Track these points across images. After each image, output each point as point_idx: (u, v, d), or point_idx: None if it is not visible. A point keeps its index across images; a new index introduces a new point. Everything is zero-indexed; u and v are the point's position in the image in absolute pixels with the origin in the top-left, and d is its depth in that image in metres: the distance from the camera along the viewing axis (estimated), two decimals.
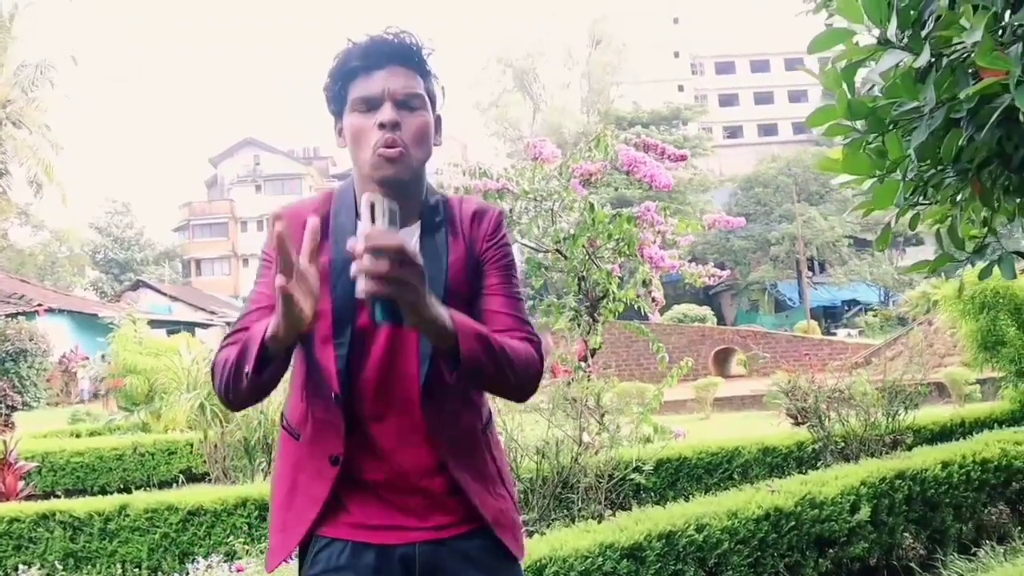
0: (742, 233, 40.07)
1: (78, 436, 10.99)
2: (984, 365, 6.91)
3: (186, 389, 7.53)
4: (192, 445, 8.99)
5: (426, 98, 1.59)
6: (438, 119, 1.65)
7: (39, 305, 28.31)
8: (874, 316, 33.86)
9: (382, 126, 1.51)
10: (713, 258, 38.33)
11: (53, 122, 29.49)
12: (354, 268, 1.21)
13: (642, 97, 50.08)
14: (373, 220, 1.26)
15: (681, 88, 58.82)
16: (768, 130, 58.50)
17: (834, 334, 33.37)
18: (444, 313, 1.35)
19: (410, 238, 1.54)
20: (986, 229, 2.82)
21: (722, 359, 24.28)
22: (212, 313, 39.61)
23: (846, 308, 42.30)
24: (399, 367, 1.55)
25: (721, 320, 38.66)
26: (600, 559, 2.99)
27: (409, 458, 1.54)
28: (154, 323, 15.03)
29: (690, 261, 7.96)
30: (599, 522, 3.39)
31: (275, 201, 54.09)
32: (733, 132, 59.85)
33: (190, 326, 30.03)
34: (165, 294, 40.75)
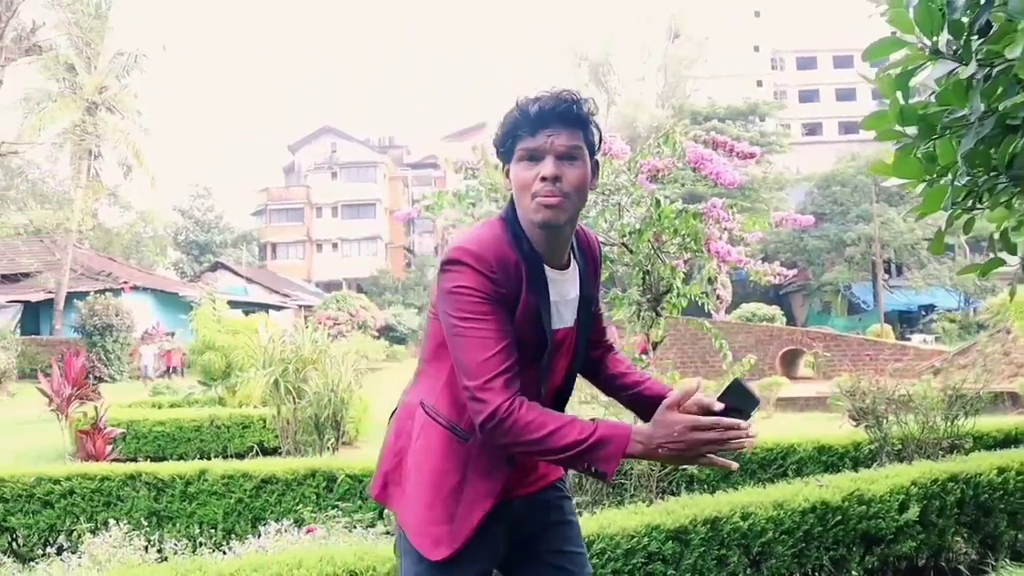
0: (816, 233, 39.27)
1: (159, 408, 11.57)
2: None
3: (262, 366, 7.89)
4: (265, 420, 9.41)
5: (585, 149, 1.78)
6: (595, 164, 1.84)
7: (125, 283, 29.57)
8: (951, 322, 32.79)
9: (544, 179, 1.72)
10: (786, 257, 37.70)
11: (143, 108, 30.69)
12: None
13: (720, 92, 49.42)
14: (729, 406, 1.68)
15: (760, 83, 57.81)
16: (849, 128, 57.06)
17: (909, 339, 32.47)
18: None
19: (575, 278, 1.92)
20: None
21: (790, 360, 23.92)
22: (285, 296, 40.74)
23: (923, 313, 41.09)
24: (556, 380, 1.95)
25: (792, 321, 37.98)
26: (646, 539, 3.13)
27: None
28: (231, 304, 15.61)
29: (762, 260, 7.95)
30: (648, 506, 3.52)
31: (350, 188, 55.22)
32: (812, 129, 58.55)
33: (265, 308, 30.95)
34: (242, 276, 42.02)
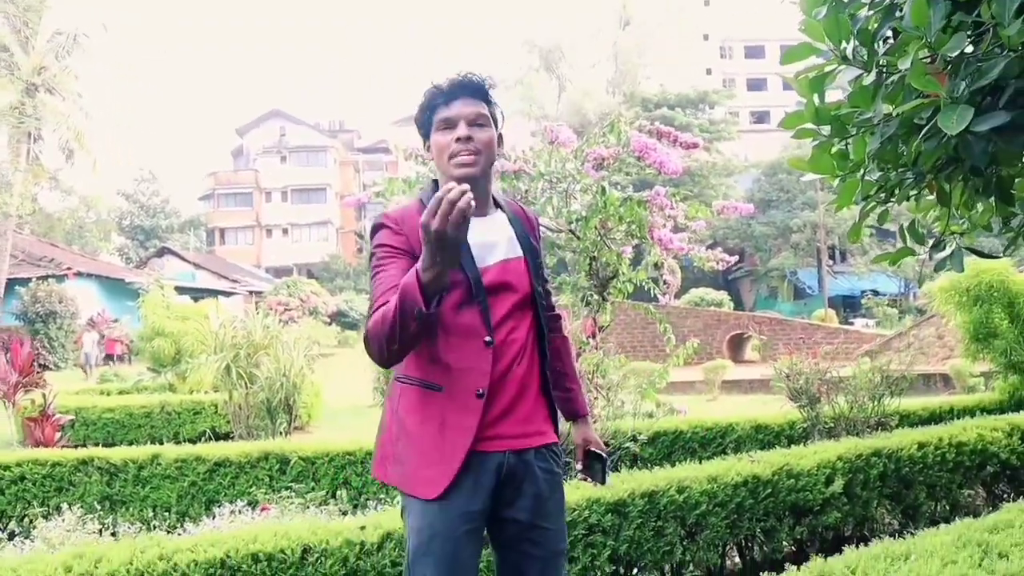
0: (763, 219, 40.02)
1: (108, 395, 11.48)
2: (976, 357, 7.13)
3: (213, 352, 7.91)
4: (216, 406, 9.42)
5: (490, 119, 2.13)
6: (500, 136, 2.19)
7: (68, 269, 28.93)
8: (891, 307, 33.82)
9: (458, 139, 2.05)
10: (733, 243, 38.37)
11: (84, 90, 29.90)
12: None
13: (669, 79, 49.89)
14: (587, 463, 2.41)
15: (709, 71, 58.53)
16: None
17: (851, 323, 33.38)
18: None
19: (501, 221, 2.17)
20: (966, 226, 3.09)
21: (737, 343, 24.49)
22: (235, 282, 40.24)
23: (867, 297, 42.23)
24: (516, 318, 2.09)
25: (739, 305, 38.73)
26: (586, 511, 3.31)
27: (525, 374, 2.09)
28: (179, 290, 15.46)
29: (709, 246, 8.17)
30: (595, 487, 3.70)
31: (299, 172, 54.65)
32: (760, 117, 59.44)
33: (213, 293, 30.57)
34: (189, 262, 41.37)
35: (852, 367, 6.13)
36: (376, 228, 2.08)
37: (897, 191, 2.90)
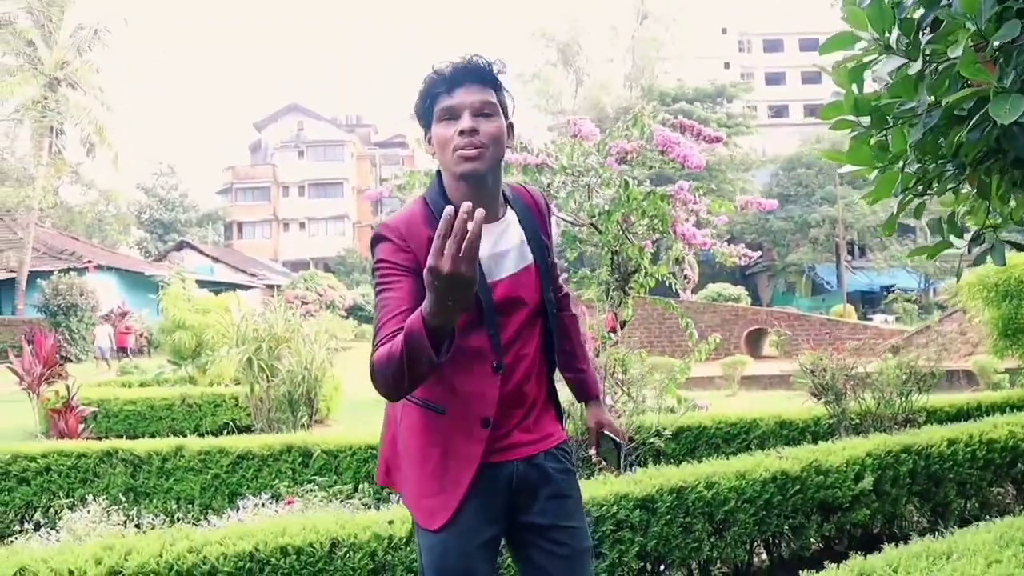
0: (781, 214, 39.75)
1: (129, 387, 11.55)
2: (1004, 352, 7.03)
3: (235, 344, 7.93)
4: (237, 399, 9.45)
5: (499, 107, 1.89)
6: (510, 125, 1.95)
7: (89, 262, 29.15)
8: (911, 302, 33.53)
9: (462, 132, 1.82)
10: (751, 238, 38.14)
11: (105, 84, 30.07)
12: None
13: (687, 73, 49.59)
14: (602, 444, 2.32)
15: (727, 65, 58.11)
16: (814, 111, 57.55)
17: (871, 319, 33.14)
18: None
19: (513, 225, 1.98)
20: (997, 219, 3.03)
21: (755, 339, 24.34)
22: (252, 275, 40.42)
23: (885, 293, 41.89)
24: (526, 335, 1.97)
25: (757, 301, 38.53)
26: (615, 507, 3.28)
27: (535, 390, 2.00)
28: (198, 283, 15.54)
29: (728, 241, 8.11)
30: (616, 477, 3.68)
31: (317, 166, 54.81)
32: (779, 111, 59.06)
33: (231, 287, 30.69)
34: (208, 255, 41.59)
35: (876, 363, 6.06)
36: (376, 240, 1.85)
37: (936, 183, 2.85)
